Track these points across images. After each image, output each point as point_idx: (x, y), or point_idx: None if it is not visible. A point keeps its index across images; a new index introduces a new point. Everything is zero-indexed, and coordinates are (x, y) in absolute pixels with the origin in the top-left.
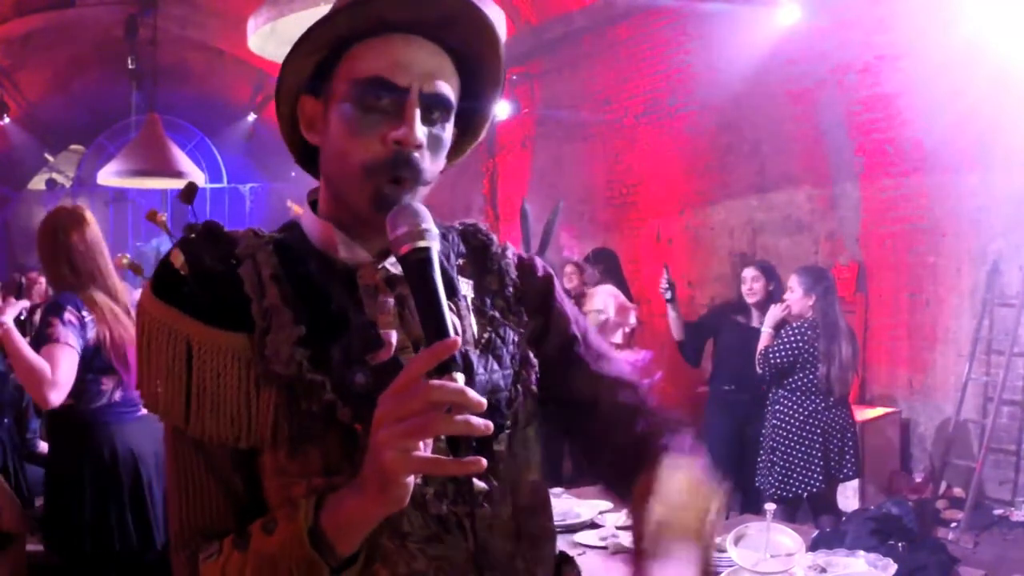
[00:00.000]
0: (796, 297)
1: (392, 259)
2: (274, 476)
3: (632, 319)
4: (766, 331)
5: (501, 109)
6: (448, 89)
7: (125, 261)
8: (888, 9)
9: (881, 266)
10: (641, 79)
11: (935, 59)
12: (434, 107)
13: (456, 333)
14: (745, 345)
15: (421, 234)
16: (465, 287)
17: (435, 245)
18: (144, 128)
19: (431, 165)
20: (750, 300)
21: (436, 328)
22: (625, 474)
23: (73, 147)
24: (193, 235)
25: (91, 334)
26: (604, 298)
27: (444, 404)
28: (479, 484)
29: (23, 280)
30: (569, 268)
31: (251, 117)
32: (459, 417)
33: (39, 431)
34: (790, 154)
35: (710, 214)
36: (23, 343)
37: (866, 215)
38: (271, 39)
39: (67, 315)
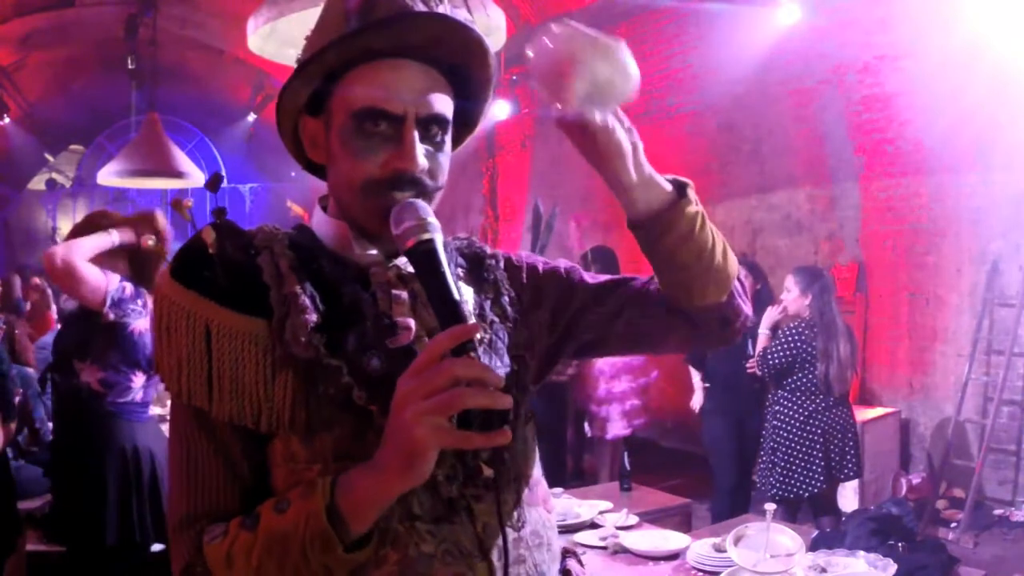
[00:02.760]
0: (793, 297)
1: (403, 259)
2: (284, 463)
3: None
4: (763, 332)
5: (501, 109)
6: (443, 104)
7: (151, 242)
8: (888, 9)
9: (881, 266)
10: (641, 79)
11: (935, 59)
12: (431, 124)
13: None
14: (737, 344)
15: (424, 227)
16: (467, 293)
17: (438, 236)
18: (144, 128)
19: (437, 178)
20: None
21: (451, 313)
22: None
23: (73, 147)
24: (209, 224)
25: (137, 325)
26: None
27: (468, 380)
28: (487, 470)
29: (18, 282)
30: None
31: (251, 117)
32: (484, 391)
33: (44, 418)
34: (790, 154)
35: (710, 214)
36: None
37: (866, 215)
38: (271, 39)
39: (133, 291)
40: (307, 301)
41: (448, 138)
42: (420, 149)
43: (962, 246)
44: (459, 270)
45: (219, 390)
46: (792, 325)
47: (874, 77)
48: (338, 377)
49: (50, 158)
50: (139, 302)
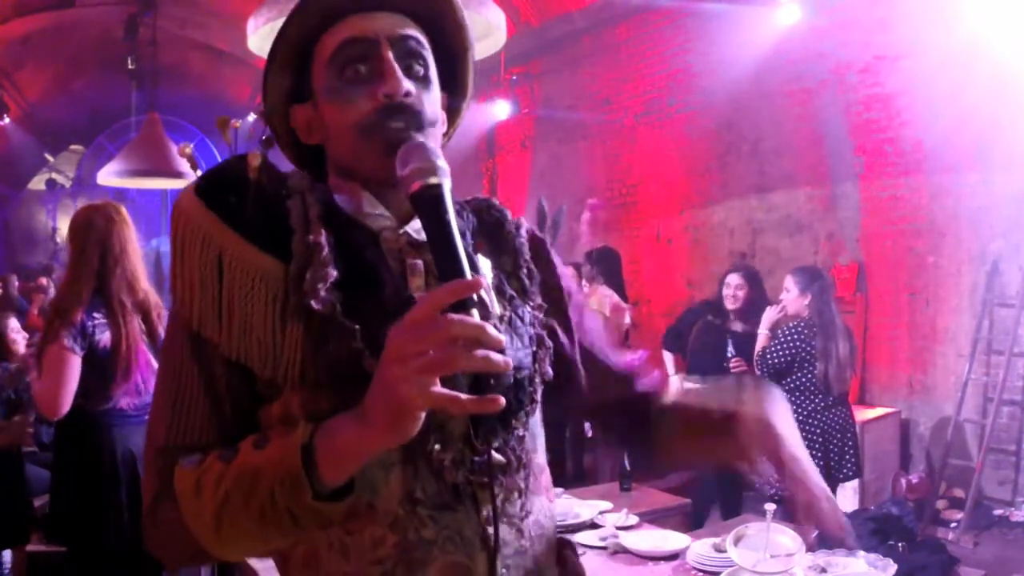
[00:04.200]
0: (792, 297)
1: (414, 224)
2: (281, 426)
3: (627, 319)
4: (763, 333)
5: (501, 109)
6: (417, 33)
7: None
8: (888, 9)
9: (881, 266)
10: (641, 79)
11: (935, 59)
12: (409, 55)
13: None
14: (716, 344)
15: (432, 170)
16: (484, 266)
17: (447, 182)
18: (144, 128)
19: (428, 107)
20: (731, 306)
21: (452, 266)
22: (637, 430)
23: (73, 147)
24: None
25: (103, 338)
26: (599, 298)
27: (463, 339)
28: (498, 457)
29: (15, 284)
30: (569, 271)
31: (251, 117)
32: (479, 352)
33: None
34: (790, 154)
35: (710, 214)
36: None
37: (866, 215)
38: (271, 39)
39: (75, 316)
40: (329, 255)
41: (432, 75)
42: (402, 77)
43: (962, 246)
44: (475, 240)
45: (228, 324)
46: (791, 325)
47: (874, 77)
48: (350, 340)
49: (50, 158)
50: (95, 315)
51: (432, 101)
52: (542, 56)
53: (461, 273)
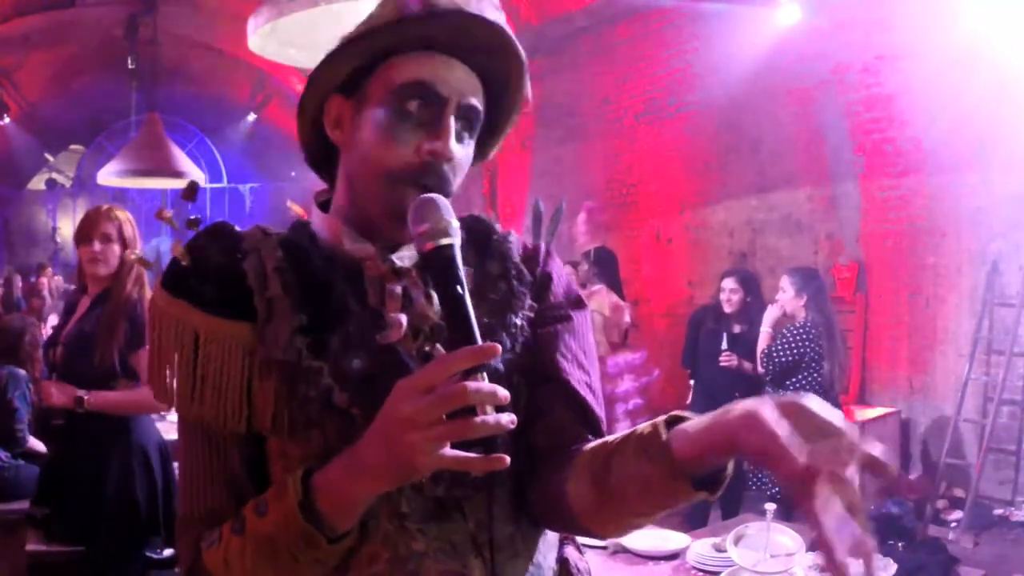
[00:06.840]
0: (788, 297)
1: (399, 253)
2: (279, 460)
3: (626, 318)
4: (765, 331)
5: None
6: (480, 105)
7: (134, 256)
8: (888, 9)
9: (881, 266)
10: (641, 79)
11: (935, 59)
12: (466, 124)
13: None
14: (716, 349)
15: (446, 230)
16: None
17: (457, 240)
18: (144, 128)
19: (459, 176)
20: (727, 309)
21: (464, 330)
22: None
23: (73, 147)
24: (199, 231)
25: None
26: (597, 299)
27: (480, 405)
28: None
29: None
30: (568, 269)
31: (251, 117)
32: (491, 418)
33: (25, 423)
34: (790, 154)
35: (710, 214)
36: (111, 395)
37: (866, 215)
38: (271, 39)
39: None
40: (289, 304)
41: (471, 149)
42: (455, 144)
43: (962, 246)
44: (463, 250)
45: (201, 395)
46: (798, 325)
47: (874, 77)
48: (319, 379)
49: (50, 158)
50: None
51: (459, 178)
52: (542, 56)
53: (472, 337)
